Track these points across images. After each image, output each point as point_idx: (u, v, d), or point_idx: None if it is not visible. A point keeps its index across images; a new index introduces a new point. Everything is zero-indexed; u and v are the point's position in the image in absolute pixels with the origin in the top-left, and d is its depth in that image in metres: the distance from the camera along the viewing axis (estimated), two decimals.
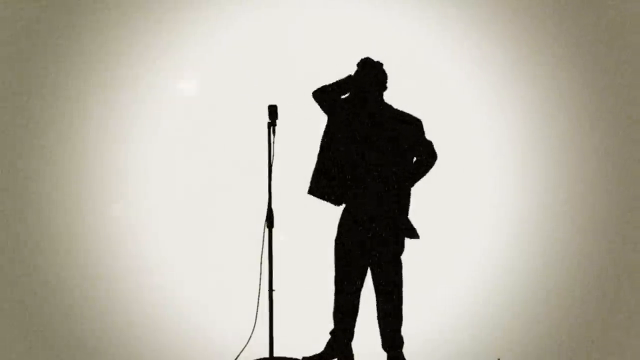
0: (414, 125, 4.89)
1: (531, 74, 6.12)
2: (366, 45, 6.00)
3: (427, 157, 4.91)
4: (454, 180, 6.07)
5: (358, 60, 4.94)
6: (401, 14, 6.14)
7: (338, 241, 4.92)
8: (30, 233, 5.93)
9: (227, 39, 6.11)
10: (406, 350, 4.99)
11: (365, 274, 4.93)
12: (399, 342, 4.94)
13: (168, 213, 6.09)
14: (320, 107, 4.90)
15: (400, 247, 4.88)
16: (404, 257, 4.93)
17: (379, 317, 4.93)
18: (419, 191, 5.43)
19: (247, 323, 5.04)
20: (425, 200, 5.92)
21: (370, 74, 4.86)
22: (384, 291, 4.86)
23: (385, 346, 4.95)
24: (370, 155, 4.81)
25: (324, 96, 4.87)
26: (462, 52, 6.13)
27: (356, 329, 5.01)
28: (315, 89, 4.91)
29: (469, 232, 6.08)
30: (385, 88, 4.92)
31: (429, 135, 4.96)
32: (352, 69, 4.96)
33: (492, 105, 6.14)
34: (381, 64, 4.91)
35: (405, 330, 5.00)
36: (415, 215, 4.98)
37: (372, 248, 4.86)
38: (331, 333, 4.99)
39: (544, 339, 5.57)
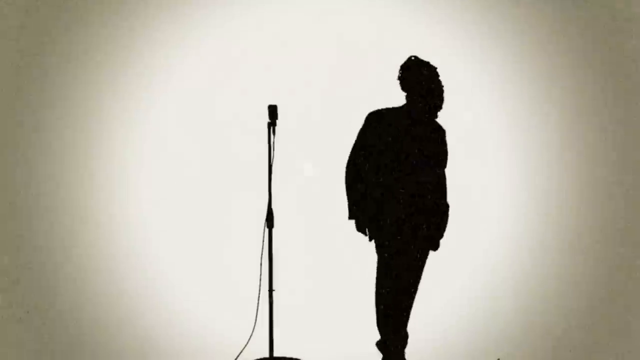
0: (442, 133, 4.82)
1: (531, 75, 6.12)
2: (366, 44, 6.00)
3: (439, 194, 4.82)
4: (454, 181, 6.07)
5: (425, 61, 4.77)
6: (401, 11, 6.13)
7: (389, 242, 4.75)
8: (31, 233, 5.93)
9: (227, 39, 6.11)
10: (406, 350, 4.99)
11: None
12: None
13: (168, 213, 6.09)
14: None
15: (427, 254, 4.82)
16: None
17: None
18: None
19: (247, 323, 5.03)
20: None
21: (439, 87, 4.76)
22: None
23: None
24: (412, 161, 4.70)
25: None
26: (463, 52, 6.12)
27: (355, 330, 4.97)
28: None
29: (468, 232, 6.08)
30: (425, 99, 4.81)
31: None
32: (351, 69, 4.92)
33: (492, 106, 6.14)
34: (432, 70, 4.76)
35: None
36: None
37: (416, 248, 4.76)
38: (382, 343, 4.85)
39: (544, 339, 5.57)
